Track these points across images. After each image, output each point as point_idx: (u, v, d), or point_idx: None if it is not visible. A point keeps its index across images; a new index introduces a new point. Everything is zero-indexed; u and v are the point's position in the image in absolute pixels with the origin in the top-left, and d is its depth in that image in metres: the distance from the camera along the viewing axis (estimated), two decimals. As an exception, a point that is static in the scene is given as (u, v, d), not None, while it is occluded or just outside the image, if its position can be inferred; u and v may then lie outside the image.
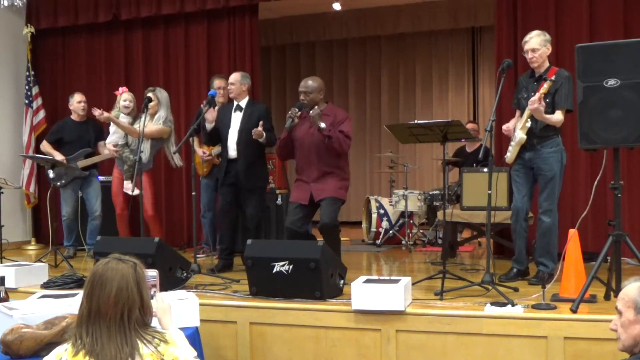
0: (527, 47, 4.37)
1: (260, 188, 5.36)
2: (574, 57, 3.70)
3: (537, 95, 4.17)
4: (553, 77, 4.21)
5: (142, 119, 5.24)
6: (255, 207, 5.24)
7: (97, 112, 5.69)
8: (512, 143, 4.44)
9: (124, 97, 5.94)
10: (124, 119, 5.88)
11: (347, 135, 4.73)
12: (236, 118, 5.28)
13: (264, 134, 5.06)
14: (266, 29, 9.92)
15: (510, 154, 4.48)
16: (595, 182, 3.83)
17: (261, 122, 5.07)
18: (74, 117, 6.48)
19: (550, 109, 4.30)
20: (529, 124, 4.31)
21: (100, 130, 6.53)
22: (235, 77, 5.33)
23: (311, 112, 4.69)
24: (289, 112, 4.76)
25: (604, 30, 5.64)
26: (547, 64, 4.41)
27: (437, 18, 9.74)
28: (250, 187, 5.21)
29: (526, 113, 4.29)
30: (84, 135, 6.39)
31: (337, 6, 9.23)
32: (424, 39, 10.49)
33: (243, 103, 5.32)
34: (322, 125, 4.65)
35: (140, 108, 5.64)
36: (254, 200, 5.24)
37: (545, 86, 4.18)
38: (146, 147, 5.61)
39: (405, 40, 10.54)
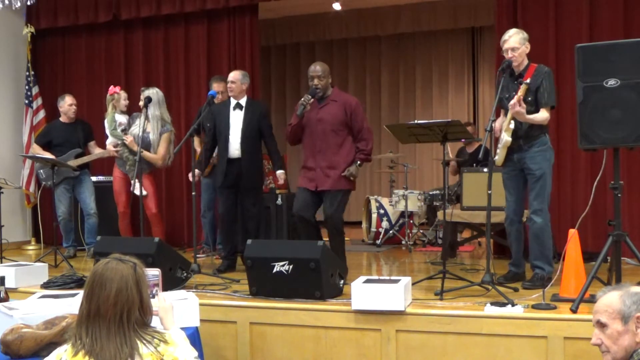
0: (506, 46, 4.28)
1: (259, 188, 5.41)
2: (574, 57, 3.70)
3: (515, 98, 4.08)
4: (528, 80, 4.13)
5: (142, 119, 5.26)
6: (257, 206, 5.27)
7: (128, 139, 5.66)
8: (499, 145, 4.36)
9: (124, 95, 6.00)
10: (121, 118, 5.90)
11: (369, 131, 4.89)
12: (236, 117, 5.25)
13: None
14: (266, 29, 9.93)
15: (498, 157, 4.38)
16: (595, 182, 3.83)
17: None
18: (62, 119, 6.47)
19: (534, 107, 4.22)
20: (512, 126, 4.22)
21: (90, 131, 6.53)
22: (236, 75, 5.30)
23: (350, 174, 4.77)
24: (302, 99, 4.80)
25: (604, 30, 5.64)
26: (526, 62, 4.33)
27: (437, 18, 9.74)
28: (251, 187, 5.22)
29: (509, 115, 4.22)
30: (72, 136, 6.38)
31: (337, 6, 9.23)
32: (424, 39, 10.49)
33: (243, 101, 5.30)
34: (359, 165, 4.83)
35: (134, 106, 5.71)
36: (255, 200, 5.26)
37: (522, 88, 4.10)
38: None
39: (405, 40, 10.54)
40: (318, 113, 4.81)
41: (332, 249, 4.69)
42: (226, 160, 5.23)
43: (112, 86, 6.13)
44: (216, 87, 6.06)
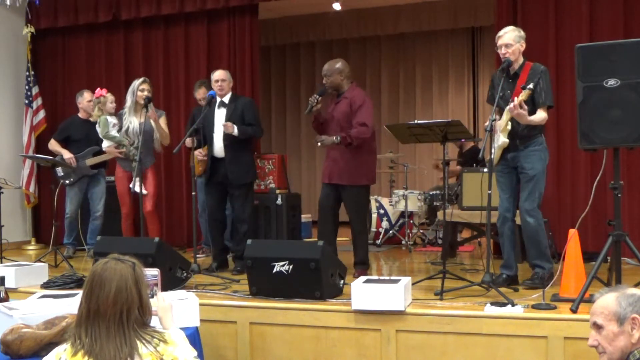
0: (500, 42, 4.23)
1: (249, 185, 5.34)
2: (574, 57, 3.69)
3: (517, 101, 4.00)
4: (530, 85, 4.03)
5: (138, 120, 5.26)
6: (243, 205, 5.23)
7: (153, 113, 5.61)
8: (495, 146, 4.29)
9: (110, 98, 5.98)
10: (113, 120, 5.89)
11: (362, 124, 4.76)
12: (220, 115, 5.25)
13: (235, 128, 5.07)
14: (266, 29, 9.92)
15: (493, 157, 4.30)
16: (595, 182, 3.82)
17: (233, 125, 5.08)
18: (81, 115, 6.47)
19: (530, 107, 4.14)
20: (509, 127, 4.16)
21: None
22: (225, 74, 5.33)
23: (320, 143, 4.79)
24: (310, 98, 4.89)
25: (604, 30, 5.64)
26: (521, 60, 4.27)
27: (437, 18, 9.74)
28: (238, 185, 5.19)
29: (506, 116, 4.14)
30: (91, 133, 6.35)
31: (337, 6, 9.22)
32: (424, 39, 10.48)
33: (226, 99, 5.30)
34: (336, 139, 4.75)
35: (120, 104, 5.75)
36: (242, 198, 5.22)
37: (524, 93, 4.00)
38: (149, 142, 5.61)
39: (405, 40, 10.54)
40: (333, 109, 4.93)
41: (355, 246, 4.94)
42: (212, 160, 5.24)
43: (98, 89, 6.10)
44: (204, 92, 6.07)
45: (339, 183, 4.88)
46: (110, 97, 6.00)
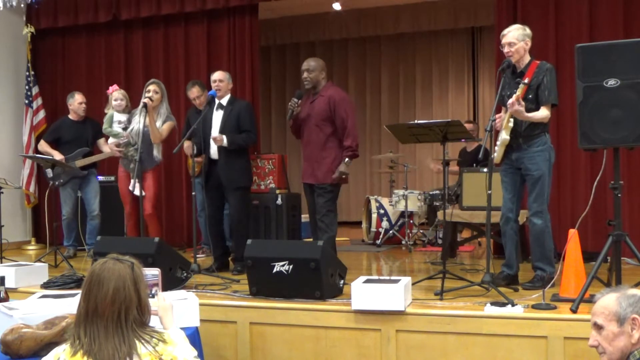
0: (504, 40, 4.20)
1: (244, 188, 5.28)
2: (574, 57, 3.69)
3: (514, 97, 4.00)
4: (526, 80, 4.03)
5: (142, 121, 5.25)
6: (238, 208, 5.18)
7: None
8: (498, 143, 4.28)
9: (115, 95, 5.96)
10: (120, 117, 5.88)
11: (352, 129, 4.84)
12: (217, 117, 5.24)
13: (224, 139, 5.05)
14: (266, 29, 9.93)
15: (496, 155, 4.29)
16: (595, 182, 3.82)
17: (222, 136, 5.07)
18: (72, 116, 6.46)
19: (534, 105, 4.13)
20: (511, 124, 4.13)
21: (99, 129, 6.51)
22: (223, 75, 5.30)
23: (340, 173, 4.84)
24: (290, 103, 4.96)
25: (604, 30, 5.64)
26: (527, 59, 4.23)
27: (437, 18, 9.75)
28: (232, 188, 5.16)
29: (508, 113, 4.12)
30: (81, 134, 6.38)
31: (337, 6, 9.23)
32: (424, 39, 10.50)
33: (224, 101, 5.27)
34: (348, 162, 4.84)
35: (134, 104, 5.70)
36: (237, 201, 5.18)
37: (520, 87, 4.01)
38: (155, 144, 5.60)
39: (405, 40, 10.55)
40: (309, 108, 4.93)
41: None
42: (208, 162, 5.22)
43: (111, 86, 6.14)
44: (196, 92, 6.06)
45: (309, 182, 4.94)
46: (116, 94, 5.96)
